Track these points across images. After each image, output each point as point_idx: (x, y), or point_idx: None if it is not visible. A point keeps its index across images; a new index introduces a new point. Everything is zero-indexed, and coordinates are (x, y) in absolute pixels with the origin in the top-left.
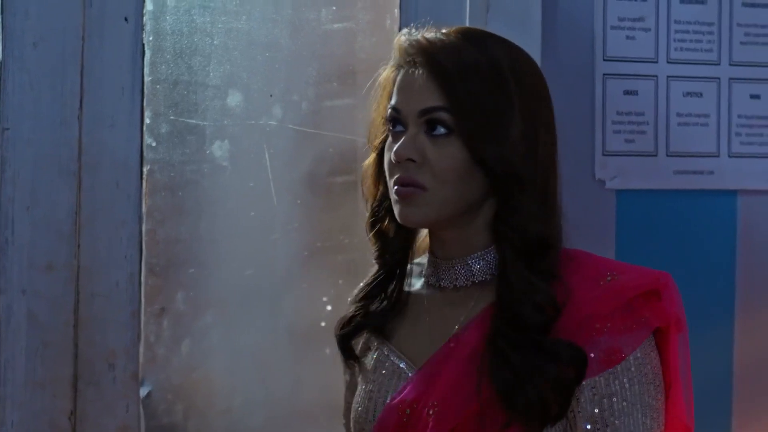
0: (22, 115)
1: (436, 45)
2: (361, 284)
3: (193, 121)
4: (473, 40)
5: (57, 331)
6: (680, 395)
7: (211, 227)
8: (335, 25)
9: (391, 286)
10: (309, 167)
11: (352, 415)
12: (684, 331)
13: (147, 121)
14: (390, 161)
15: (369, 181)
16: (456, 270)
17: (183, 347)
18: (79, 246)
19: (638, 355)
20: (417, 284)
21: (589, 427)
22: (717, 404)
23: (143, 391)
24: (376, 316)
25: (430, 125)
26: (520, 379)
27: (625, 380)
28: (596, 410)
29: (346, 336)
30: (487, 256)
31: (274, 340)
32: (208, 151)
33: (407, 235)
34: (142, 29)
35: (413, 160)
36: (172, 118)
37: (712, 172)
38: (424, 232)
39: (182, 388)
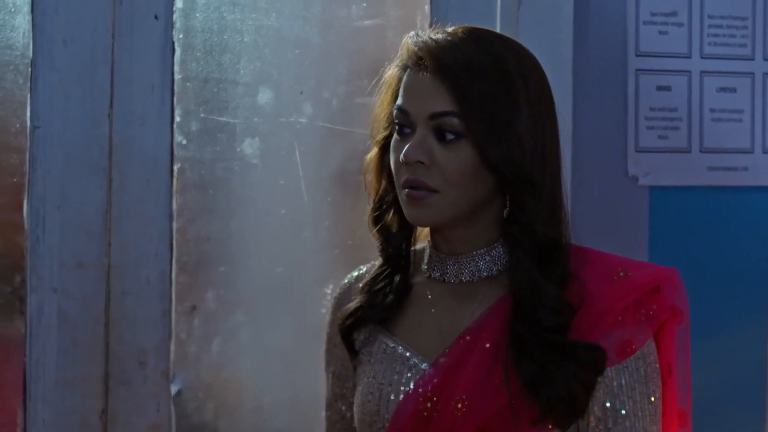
0: (53, 113)
1: (444, 47)
2: (367, 277)
3: (224, 119)
4: (480, 41)
5: (87, 330)
6: (674, 383)
7: (241, 225)
8: (366, 22)
9: (397, 279)
10: (340, 165)
11: (358, 408)
12: (684, 323)
13: (177, 118)
14: (397, 161)
15: (371, 176)
16: (462, 265)
17: (214, 345)
18: (109, 244)
19: (646, 347)
20: (418, 277)
21: (600, 414)
22: (752, 403)
23: (174, 390)
24: (381, 308)
25: (440, 129)
26: (547, 374)
27: (634, 371)
28: (607, 402)
29: (351, 327)
30: (493, 252)
31: (303, 338)
32: (238, 149)
33: (410, 228)
34: (172, 27)
35: (422, 162)
36: (202, 115)
37: (746, 169)
38: None
39: (213, 387)
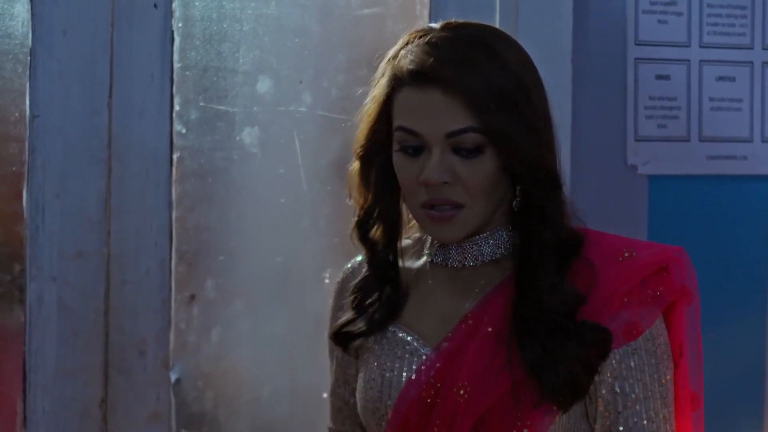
0: (52, 103)
1: (448, 61)
2: (355, 286)
3: (223, 108)
4: (479, 44)
5: (87, 319)
6: (686, 365)
7: (240, 214)
8: (365, 11)
9: (387, 290)
10: (339, 154)
11: (361, 394)
12: (694, 303)
13: (176, 108)
14: (411, 181)
15: (355, 190)
16: (465, 250)
17: (213, 335)
18: (109, 233)
19: (654, 328)
20: (417, 262)
21: (609, 397)
22: (750, 391)
23: (173, 379)
24: (373, 323)
25: (459, 145)
26: (550, 356)
27: (643, 353)
28: (616, 386)
29: (344, 341)
30: (496, 235)
31: (302, 327)
32: (237, 138)
33: (396, 237)
34: (172, 16)
35: (446, 182)
36: (201, 104)
37: (745, 158)
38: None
39: (212, 376)
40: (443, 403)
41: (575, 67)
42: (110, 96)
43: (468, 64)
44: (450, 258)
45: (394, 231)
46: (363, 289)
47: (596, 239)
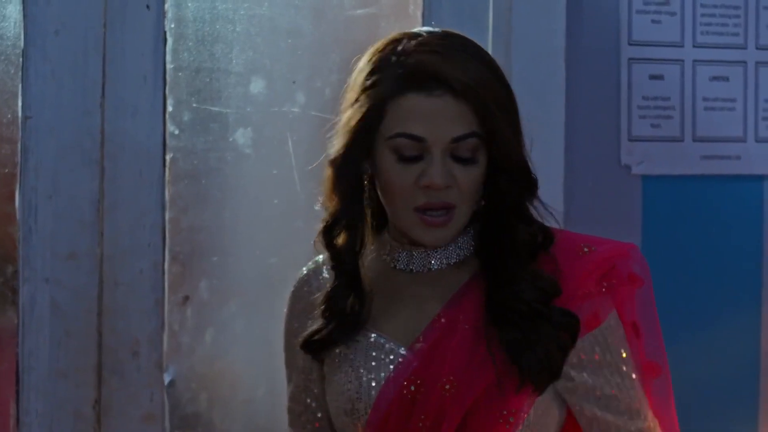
0: (44, 103)
1: (457, 65)
2: (321, 294)
3: (216, 109)
4: (477, 53)
5: (80, 320)
6: (642, 339)
7: (234, 215)
8: (358, 11)
9: (353, 295)
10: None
11: (336, 396)
12: (644, 286)
13: (169, 108)
14: (407, 186)
15: (325, 197)
16: (429, 255)
17: (206, 336)
18: (102, 234)
19: (611, 317)
20: (377, 266)
21: (579, 378)
22: (744, 391)
23: (167, 380)
24: (348, 328)
25: (458, 150)
26: (527, 339)
27: (604, 337)
28: (586, 365)
29: (316, 349)
30: (461, 238)
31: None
32: (231, 139)
33: (361, 243)
34: (164, 16)
35: (449, 186)
36: (194, 105)
37: (738, 157)
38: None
39: (206, 377)
40: (426, 399)
41: (569, 67)
42: (103, 97)
43: (473, 70)
44: (414, 263)
45: (359, 237)
46: (332, 297)
47: (557, 235)
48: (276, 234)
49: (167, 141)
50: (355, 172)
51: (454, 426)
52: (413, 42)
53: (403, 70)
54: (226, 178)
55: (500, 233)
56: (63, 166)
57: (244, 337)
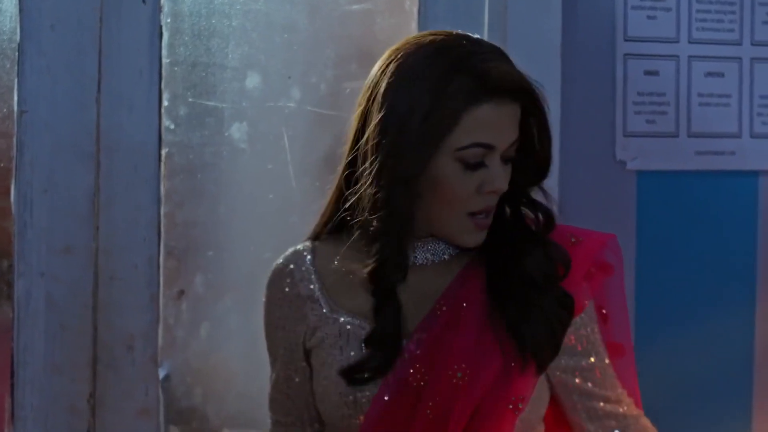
0: (40, 98)
1: (518, 73)
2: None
3: (212, 103)
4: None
5: (75, 315)
6: (609, 323)
7: (229, 210)
8: (354, 7)
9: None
10: (327, 149)
11: (332, 386)
12: (613, 276)
13: (165, 103)
14: (467, 191)
15: (331, 200)
16: (431, 247)
17: (201, 330)
18: (97, 229)
19: (590, 303)
20: (356, 263)
21: (569, 353)
22: (738, 387)
23: (162, 374)
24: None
25: (508, 153)
26: (530, 311)
27: (586, 322)
28: (576, 344)
29: (367, 380)
30: None
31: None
32: (226, 134)
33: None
34: (160, 11)
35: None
36: (190, 100)
37: (733, 153)
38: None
39: (201, 372)
40: (434, 388)
41: (564, 63)
42: (98, 91)
43: (523, 75)
44: (417, 257)
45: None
46: (381, 333)
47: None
48: (271, 229)
49: (163, 135)
50: (413, 190)
51: (467, 415)
52: (485, 51)
53: (477, 81)
54: (222, 173)
55: (508, 216)
56: (58, 161)
57: (239, 331)
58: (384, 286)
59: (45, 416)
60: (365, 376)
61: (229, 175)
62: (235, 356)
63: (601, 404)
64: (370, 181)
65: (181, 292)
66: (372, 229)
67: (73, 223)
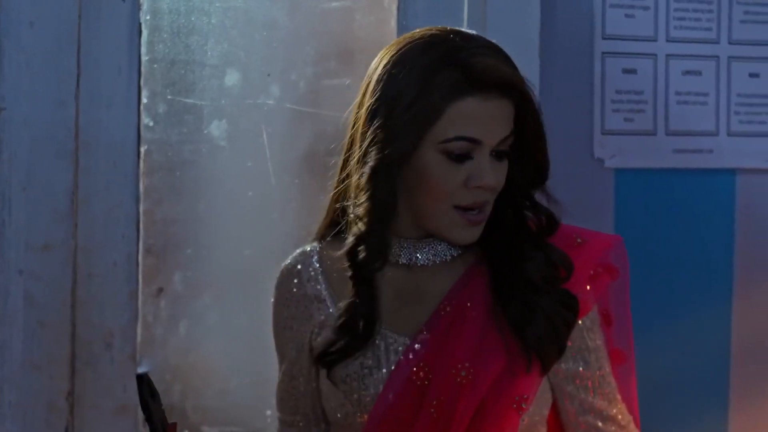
0: (19, 95)
1: (509, 69)
2: (342, 308)
3: (191, 101)
4: (505, 54)
5: (54, 312)
6: (612, 327)
7: (208, 207)
8: (333, 4)
9: (368, 311)
10: (307, 147)
11: (339, 386)
12: (618, 279)
13: (144, 100)
14: (453, 185)
15: (334, 199)
16: (429, 249)
17: (180, 328)
18: (76, 226)
19: (595, 306)
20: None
21: (572, 356)
22: (714, 385)
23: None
24: (357, 345)
25: (499, 149)
26: (535, 311)
27: (590, 324)
28: (580, 346)
29: (333, 363)
30: None
31: (270, 320)
32: (205, 131)
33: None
34: (139, 8)
35: None
36: (169, 97)
37: (711, 151)
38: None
39: (179, 369)
40: (438, 387)
41: (542, 61)
42: (77, 88)
43: (516, 72)
44: (419, 257)
45: (385, 247)
46: (352, 314)
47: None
48: (250, 226)
49: (142, 133)
50: (395, 177)
51: (470, 413)
52: (473, 45)
53: (462, 74)
54: (201, 170)
55: (509, 218)
56: (37, 158)
57: (218, 328)
58: (361, 271)
59: (23, 413)
60: (333, 358)
61: (208, 172)
62: (214, 353)
63: (592, 415)
64: (355, 167)
65: (160, 290)
66: (352, 214)
67: (52, 220)
